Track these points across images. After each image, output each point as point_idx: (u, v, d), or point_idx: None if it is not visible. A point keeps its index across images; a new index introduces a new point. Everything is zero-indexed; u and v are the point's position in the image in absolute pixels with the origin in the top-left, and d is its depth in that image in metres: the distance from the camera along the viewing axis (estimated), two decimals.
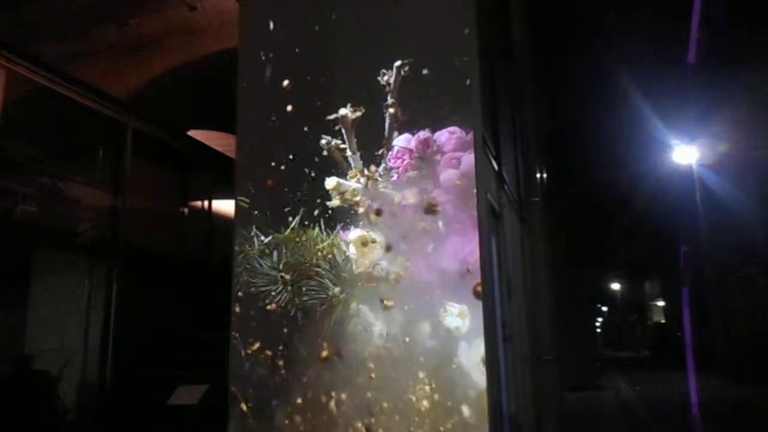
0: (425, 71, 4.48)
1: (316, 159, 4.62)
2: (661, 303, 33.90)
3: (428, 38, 4.51)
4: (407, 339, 4.15)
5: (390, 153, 4.43)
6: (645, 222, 22.73)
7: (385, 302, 4.24)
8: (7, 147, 6.44)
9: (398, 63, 4.53)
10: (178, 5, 8.50)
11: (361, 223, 4.41)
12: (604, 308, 43.16)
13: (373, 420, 4.15)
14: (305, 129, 4.68)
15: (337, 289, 4.31)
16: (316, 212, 4.54)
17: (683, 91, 14.63)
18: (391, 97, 4.51)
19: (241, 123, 4.95)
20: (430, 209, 4.27)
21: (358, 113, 4.57)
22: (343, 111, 4.58)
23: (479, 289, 4.07)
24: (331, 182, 4.54)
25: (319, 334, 4.31)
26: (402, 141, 4.43)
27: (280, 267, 4.48)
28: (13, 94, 6.33)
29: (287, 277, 4.45)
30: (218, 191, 9.52)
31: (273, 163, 4.74)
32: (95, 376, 6.89)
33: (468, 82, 4.43)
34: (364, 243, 4.31)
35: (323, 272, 4.36)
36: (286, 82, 4.93)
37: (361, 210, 4.43)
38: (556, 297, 11.40)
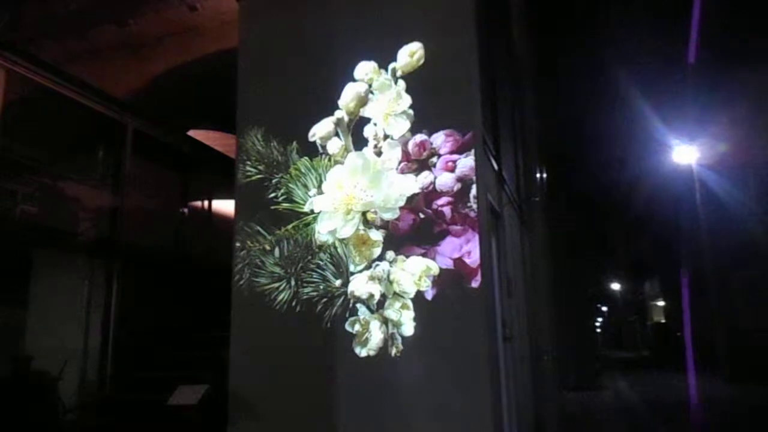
0: (425, 71, 4.49)
1: (315, 157, 4.63)
2: (661, 303, 33.85)
3: (428, 38, 4.51)
4: (405, 336, 4.16)
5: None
6: (645, 222, 22.70)
7: (383, 300, 4.24)
8: (7, 147, 6.44)
9: (399, 63, 4.55)
10: (178, 5, 8.49)
11: (359, 221, 4.41)
12: (604, 308, 43.10)
13: (374, 415, 4.15)
14: (305, 128, 4.70)
15: (338, 282, 4.33)
16: (315, 209, 4.55)
17: (683, 91, 14.61)
18: None
19: (241, 123, 4.96)
20: (427, 210, 4.28)
21: (357, 113, 4.57)
22: (339, 113, 4.59)
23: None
24: (330, 181, 4.55)
25: (319, 329, 4.32)
26: (399, 143, 4.44)
27: (282, 263, 4.50)
28: (13, 94, 6.32)
29: (290, 271, 4.47)
30: (218, 191, 9.51)
31: (273, 162, 4.75)
32: (95, 376, 6.89)
33: (468, 82, 4.44)
34: (363, 242, 4.32)
35: (324, 264, 4.38)
36: (285, 82, 4.94)
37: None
38: (556, 297, 11.41)
